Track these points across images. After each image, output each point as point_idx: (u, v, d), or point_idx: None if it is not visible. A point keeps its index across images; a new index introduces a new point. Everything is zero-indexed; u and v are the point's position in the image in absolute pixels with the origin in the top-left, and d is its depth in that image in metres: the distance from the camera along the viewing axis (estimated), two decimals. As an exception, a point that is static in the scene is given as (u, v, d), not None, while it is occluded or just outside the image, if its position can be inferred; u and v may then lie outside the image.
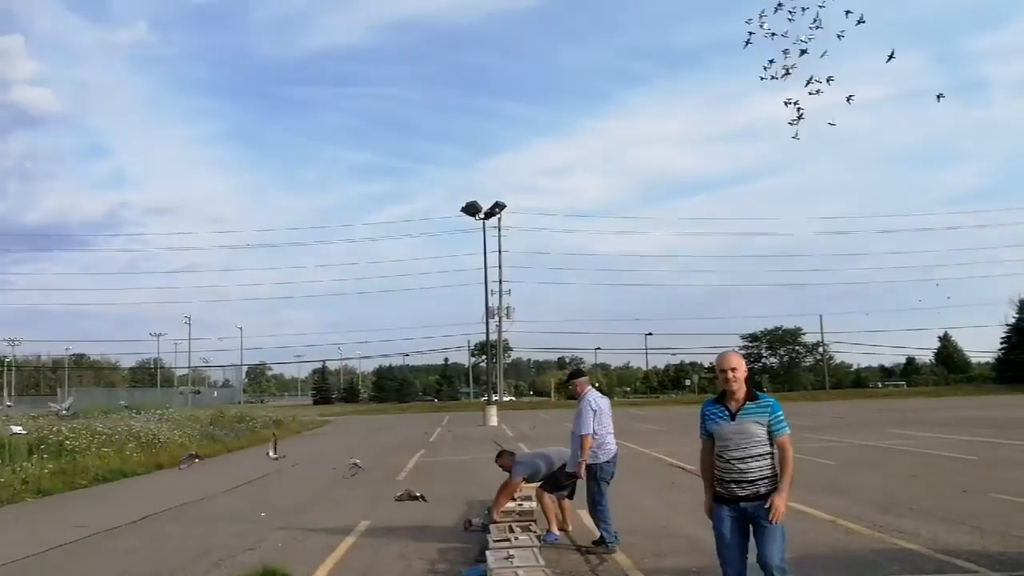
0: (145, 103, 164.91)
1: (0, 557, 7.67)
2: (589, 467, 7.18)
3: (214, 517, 10.02)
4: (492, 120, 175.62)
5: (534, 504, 8.01)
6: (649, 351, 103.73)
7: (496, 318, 51.81)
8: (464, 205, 47.62)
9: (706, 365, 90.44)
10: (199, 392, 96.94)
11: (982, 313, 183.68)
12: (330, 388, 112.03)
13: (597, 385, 10.46)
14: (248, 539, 8.26)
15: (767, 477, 4.26)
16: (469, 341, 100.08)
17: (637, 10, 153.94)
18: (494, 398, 43.53)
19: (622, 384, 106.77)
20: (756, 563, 4.24)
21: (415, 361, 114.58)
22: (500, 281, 54.09)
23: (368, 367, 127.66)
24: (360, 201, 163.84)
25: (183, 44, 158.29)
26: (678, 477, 12.47)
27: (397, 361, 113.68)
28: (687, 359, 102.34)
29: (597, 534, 7.22)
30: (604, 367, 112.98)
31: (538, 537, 7.16)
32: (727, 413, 4.34)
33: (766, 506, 4.19)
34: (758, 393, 4.42)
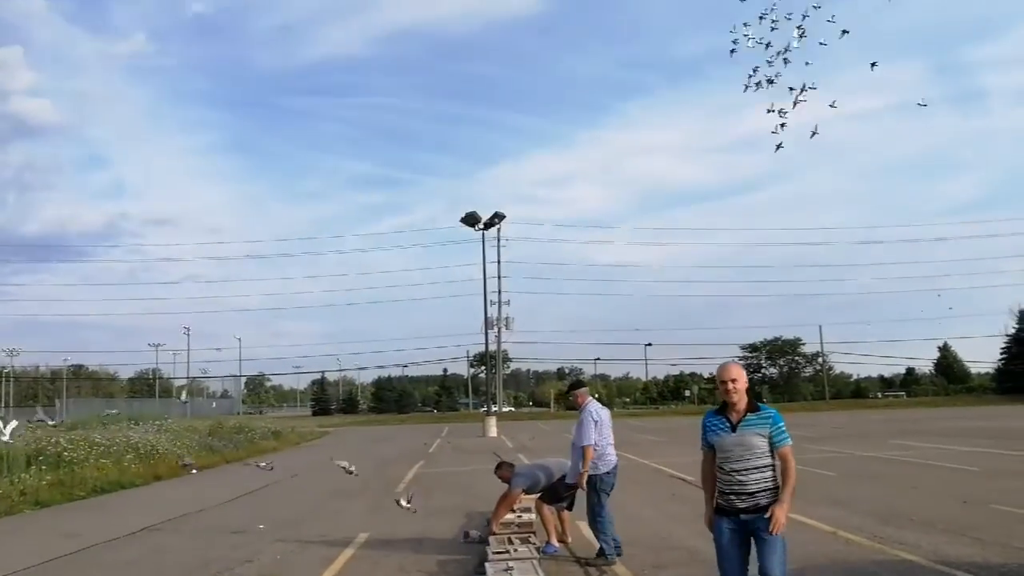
0: (144, 114, 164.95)
1: (-2, 569, 7.66)
2: (589, 478, 7.15)
3: (212, 529, 9.99)
4: (492, 131, 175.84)
5: (533, 516, 7.99)
6: (648, 362, 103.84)
7: (495, 329, 51.71)
8: (463, 215, 47.64)
9: (706, 376, 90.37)
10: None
11: (982, 323, 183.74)
12: (329, 399, 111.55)
13: (597, 396, 10.41)
14: (246, 551, 8.23)
15: (767, 489, 4.23)
16: (468, 352, 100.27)
17: (637, 21, 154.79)
18: (493, 409, 43.44)
19: (622, 395, 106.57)
20: (757, 575, 4.23)
21: (414, 372, 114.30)
22: (499, 292, 53.92)
23: (367, 378, 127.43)
24: (359, 212, 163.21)
25: (182, 55, 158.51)
26: (678, 488, 12.44)
27: (396, 372, 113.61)
28: (687, 370, 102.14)
29: (597, 546, 7.19)
30: (603, 378, 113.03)
31: (537, 549, 7.15)
32: (728, 424, 4.31)
33: (766, 516, 4.17)
34: (759, 404, 4.39)
